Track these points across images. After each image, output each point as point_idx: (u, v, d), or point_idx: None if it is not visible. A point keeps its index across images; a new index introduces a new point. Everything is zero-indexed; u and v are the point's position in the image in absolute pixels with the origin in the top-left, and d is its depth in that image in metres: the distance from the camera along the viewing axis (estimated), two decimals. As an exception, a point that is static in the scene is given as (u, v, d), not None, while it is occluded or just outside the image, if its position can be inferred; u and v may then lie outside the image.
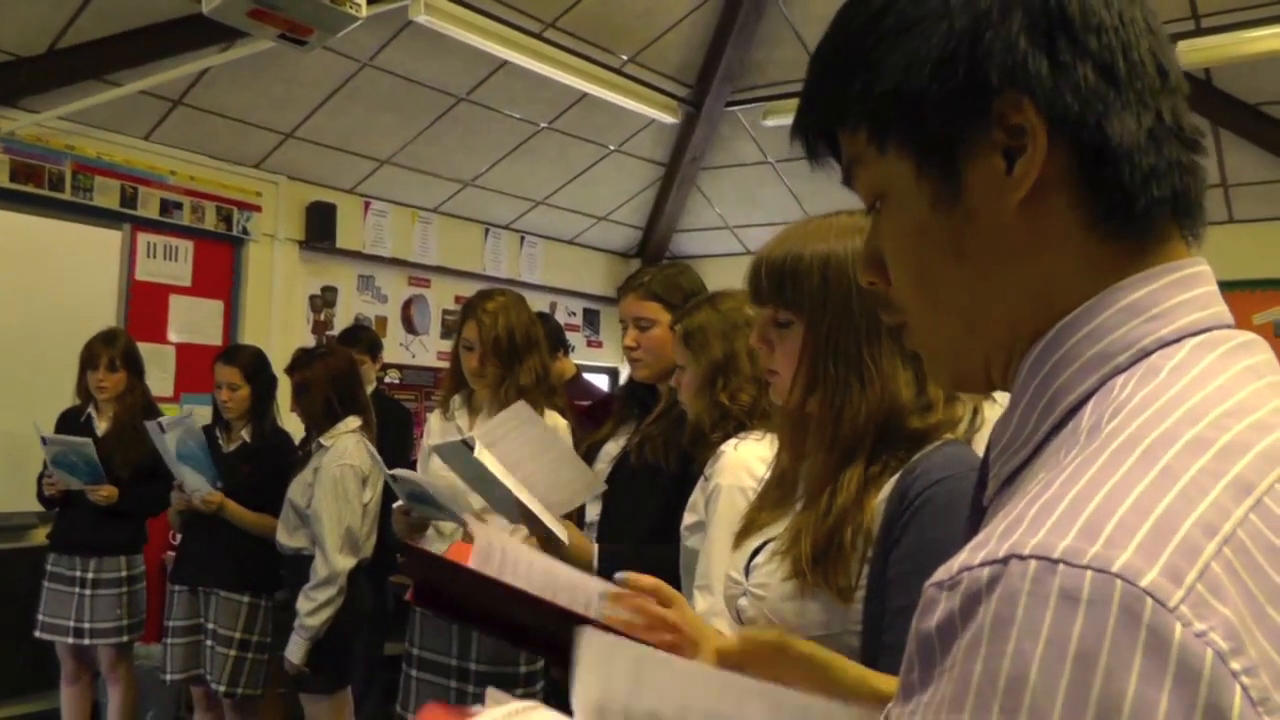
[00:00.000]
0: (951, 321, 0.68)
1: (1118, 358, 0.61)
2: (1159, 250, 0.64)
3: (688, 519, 2.15)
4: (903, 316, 0.73)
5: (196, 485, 3.80)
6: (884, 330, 1.35)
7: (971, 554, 0.52)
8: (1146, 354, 0.60)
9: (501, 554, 1.54)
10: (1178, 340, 0.60)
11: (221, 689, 3.75)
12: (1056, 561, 0.49)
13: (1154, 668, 0.46)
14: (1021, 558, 0.50)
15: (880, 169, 0.69)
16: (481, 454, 2.43)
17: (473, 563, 1.47)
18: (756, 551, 1.47)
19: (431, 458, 3.07)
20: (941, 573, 0.53)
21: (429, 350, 6.92)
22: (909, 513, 1.28)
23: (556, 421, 3.02)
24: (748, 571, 1.47)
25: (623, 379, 7.71)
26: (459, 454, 2.50)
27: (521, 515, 2.47)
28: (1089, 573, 0.48)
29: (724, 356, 2.19)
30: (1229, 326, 0.63)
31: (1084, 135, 0.62)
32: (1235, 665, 0.46)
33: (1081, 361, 0.62)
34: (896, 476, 1.33)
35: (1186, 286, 0.63)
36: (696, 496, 2.13)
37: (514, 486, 2.45)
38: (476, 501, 2.78)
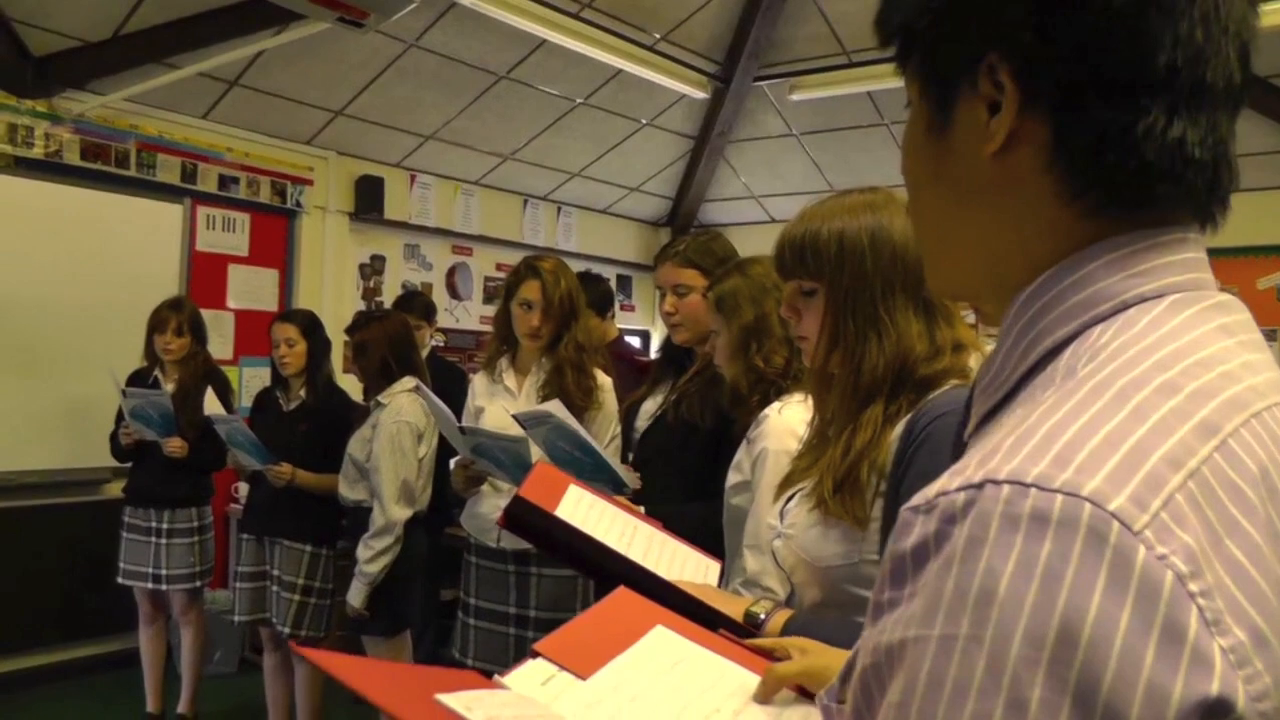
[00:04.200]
0: (927, 230, 0.71)
1: (1099, 307, 0.60)
2: (1150, 220, 0.62)
3: (733, 478, 2.10)
4: None
5: (248, 463, 3.91)
6: (898, 287, 1.42)
7: (949, 480, 0.52)
8: (1126, 306, 0.60)
9: (590, 505, 1.67)
10: (1158, 296, 0.60)
11: (286, 630, 3.78)
12: (1029, 485, 0.49)
13: (1117, 586, 0.46)
14: (996, 482, 0.50)
15: (906, 79, 0.71)
16: (561, 412, 2.56)
17: (561, 505, 1.62)
18: (790, 499, 1.52)
19: (479, 416, 3.08)
20: (918, 498, 0.53)
21: (471, 315, 6.93)
22: (913, 447, 1.32)
23: (603, 380, 3.03)
24: (783, 516, 1.52)
25: (654, 341, 7.72)
26: (542, 419, 2.58)
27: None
28: (1059, 496, 0.48)
29: (755, 319, 2.15)
30: (1208, 289, 0.62)
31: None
32: (1193, 587, 0.47)
33: (1064, 307, 0.61)
34: (909, 417, 1.37)
35: (1172, 251, 0.62)
36: (741, 458, 2.08)
37: (591, 439, 2.56)
38: (534, 454, 2.77)
